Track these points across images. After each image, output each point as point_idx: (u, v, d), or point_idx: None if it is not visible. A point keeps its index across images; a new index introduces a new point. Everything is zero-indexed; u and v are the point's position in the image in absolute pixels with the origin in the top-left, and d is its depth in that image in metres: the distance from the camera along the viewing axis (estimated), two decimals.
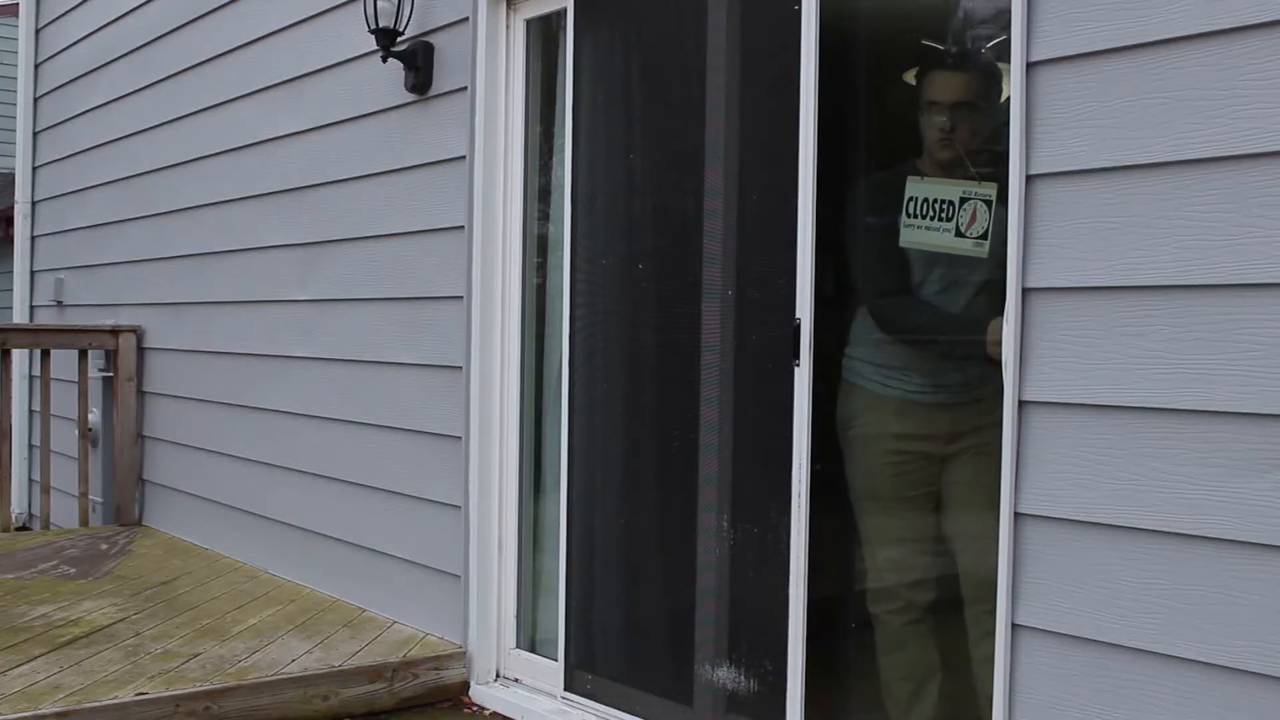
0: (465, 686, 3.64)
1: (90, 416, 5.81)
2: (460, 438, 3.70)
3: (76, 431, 5.85)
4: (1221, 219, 2.04)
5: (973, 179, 2.78)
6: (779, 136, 2.81)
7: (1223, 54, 2.03)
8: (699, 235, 3.05)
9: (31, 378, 6.77)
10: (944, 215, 2.91)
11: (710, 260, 3.02)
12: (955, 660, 2.79)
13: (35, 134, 6.94)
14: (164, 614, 4.03)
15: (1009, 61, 2.35)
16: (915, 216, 2.86)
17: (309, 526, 4.46)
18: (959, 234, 2.86)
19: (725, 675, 3.00)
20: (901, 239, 2.89)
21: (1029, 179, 2.29)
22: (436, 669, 3.58)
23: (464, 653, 3.65)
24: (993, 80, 2.81)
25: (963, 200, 2.88)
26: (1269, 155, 1.98)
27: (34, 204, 6.96)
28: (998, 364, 2.38)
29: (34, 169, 6.95)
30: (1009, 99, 2.38)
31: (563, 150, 3.49)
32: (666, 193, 3.24)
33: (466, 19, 3.67)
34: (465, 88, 3.68)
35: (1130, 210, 2.15)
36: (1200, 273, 2.06)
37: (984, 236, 2.85)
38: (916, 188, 2.85)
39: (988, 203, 2.90)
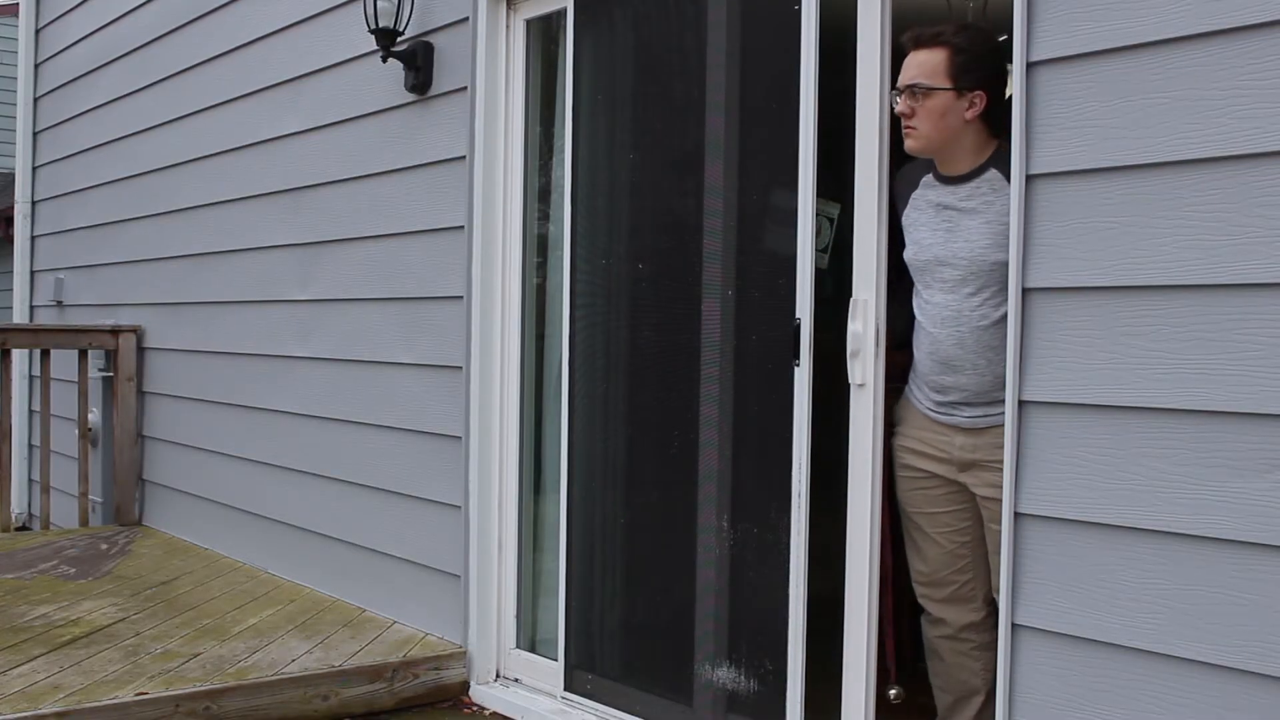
0: (465, 686, 3.64)
1: (90, 416, 5.81)
2: (460, 438, 3.70)
3: (76, 431, 5.85)
4: (1221, 219, 2.04)
5: (820, 195, 2.78)
6: (779, 136, 2.81)
7: (1222, 54, 2.03)
8: (699, 235, 3.05)
9: (31, 378, 6.78)
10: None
11: (710, 260, 3.02)
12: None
13: (35, 134, 6.94)
14: (164, 614, 4.03)
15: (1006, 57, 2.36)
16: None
17: (309, 526, 4.46)
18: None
19: (725, 675, 3.01)
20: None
21: (1029, 179, 2.29)
22: (436, 669, 3.58)
23: (464, 653, 3.65)
24: (965, 59, 2.62)
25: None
26: (1269, 155, 1.98)
27: (34, 204, 6.96)
28: None
29: (34, 169, 6.95)
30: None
31: (563, 150, 3.49)
32: (667, 192, 3.24)
33: (466, 19, 3.67)
34: (465, 88, 3.68)
35: (1130, 210, 2.15)
36: (1200, 273, 2.06)
37: (825, 250, 2.91)
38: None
39: (830, 220, 2.95)
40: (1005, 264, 2.49)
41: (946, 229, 2.70)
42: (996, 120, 2.64)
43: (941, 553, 2.82)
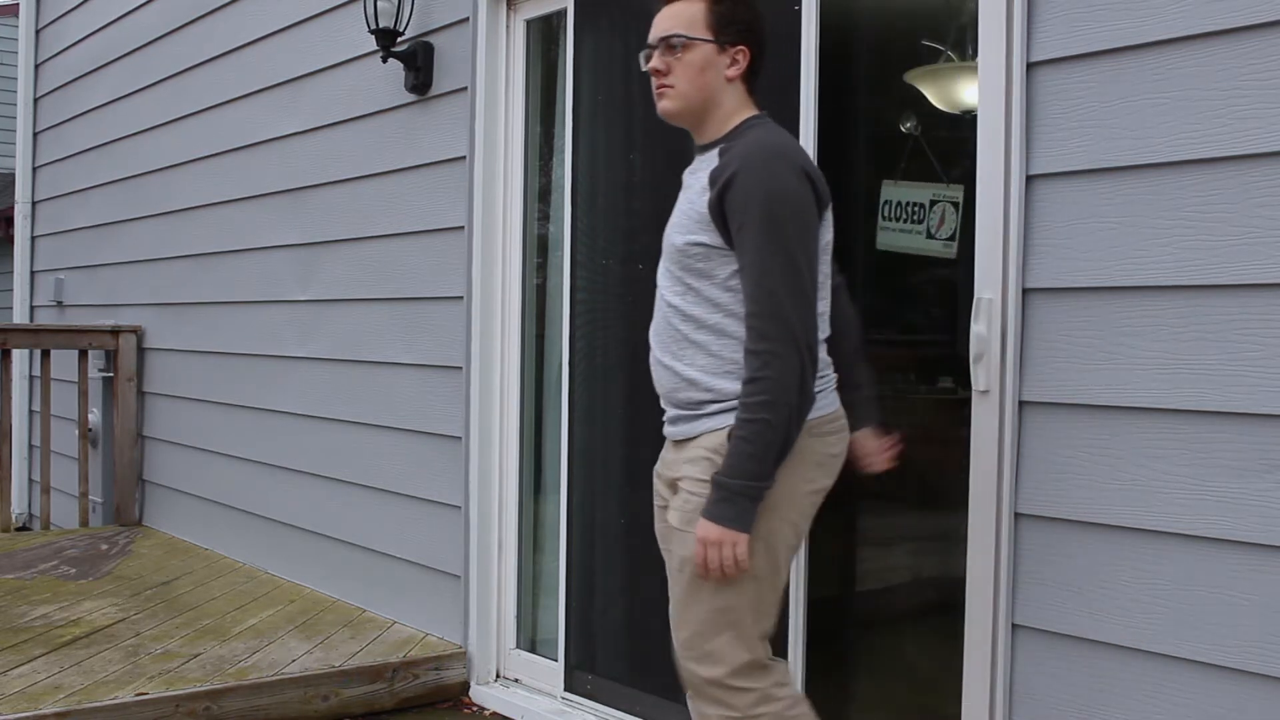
0: (465, 687, 3.64)
1: (90, 416, 5.81)
2: (460, 438, 3.70)
3: (76, 431, 5.86)
4: (1221, 219, 2.04)
5: (941, 181, 2.73)
6: None
7: (1222, 54, 2.03)
8: None
9: (31, 378, 6.78)
10: (915, 218, 2.91)
11: None
12: None
13: (35, 134, 6.95)
14: (164, 614, 4.03)
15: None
16: (890, 219, 2.86)
17: (309, 526, 4.46)
18: (930, 236, 2.86)
19: None
20: (879, 242, 2.89)
21: (1029, 179, 2.29)
22: (436, 669, 3.58)
23: (464, 653, 3.65)
24: (725, 9, 2.21)
25: (933, 202, 2.89)
26: (1269, 155, 1.98)
27: (34, 204, 6.96)
28: None
29: (34, 169, 6.96)
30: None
31: (563, 150, 3.49)
32: (667, 192, 3.22)
33: (466, 19, 3.67)
34: (465, 88, 3.68)
35: (1130, 210, 2.15)
36: (1200, 273, 2.06)
37: (952, 238, 2.87)
38: (890, 190, 2.84)
39: (955, 205, 2.92)
40: (689, 246, 2.17)
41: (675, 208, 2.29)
42: (756, 87, 2.29)
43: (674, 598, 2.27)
